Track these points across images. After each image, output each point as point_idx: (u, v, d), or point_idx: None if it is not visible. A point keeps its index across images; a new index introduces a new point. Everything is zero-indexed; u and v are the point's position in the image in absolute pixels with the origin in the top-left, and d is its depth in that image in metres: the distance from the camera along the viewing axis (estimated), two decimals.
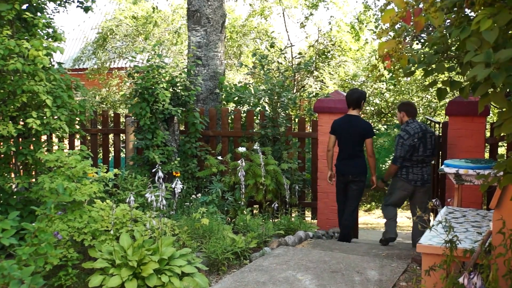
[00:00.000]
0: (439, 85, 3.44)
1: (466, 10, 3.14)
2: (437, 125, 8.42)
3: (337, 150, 6.92)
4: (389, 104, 14.68)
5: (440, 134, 7.79)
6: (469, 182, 5.67)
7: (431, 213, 7.81)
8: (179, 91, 7.86)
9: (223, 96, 8.75)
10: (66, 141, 8.79)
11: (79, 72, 18.48)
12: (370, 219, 12.79)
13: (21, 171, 6.41)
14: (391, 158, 12.13)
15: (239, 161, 6.79)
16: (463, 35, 2.90)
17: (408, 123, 6.74)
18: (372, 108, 14.57)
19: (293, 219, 7.10)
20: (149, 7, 17.70)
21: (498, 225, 3.66)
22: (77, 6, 7.33)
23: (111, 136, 9.66)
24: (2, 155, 6.18)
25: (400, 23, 2.92)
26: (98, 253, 4.91)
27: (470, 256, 3.77)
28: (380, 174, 13.77)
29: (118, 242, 5.02)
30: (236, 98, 8.71)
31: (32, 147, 6.17)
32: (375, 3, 15.66)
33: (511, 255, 3.50)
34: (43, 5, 6.56)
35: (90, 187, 5.26)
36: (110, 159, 9.08)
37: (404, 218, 11.23)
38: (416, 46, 7.71)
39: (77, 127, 6.75)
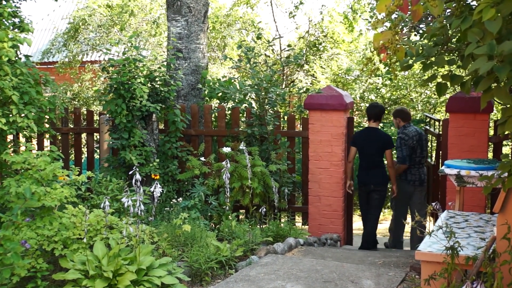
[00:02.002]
0: (439, 80, 3.46)
1: None
2: (436, 123, 8.47)
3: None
4: (386, 100, 14.74)
5: (440, 132, 7.83)
6: (472, 184, 5.71)
7: (431, 218, 7.86)
8: (158, 86, 7.84)
9: (206, 92, 8.74)
10: (34, 141, 8.74)
11: (49, 66, 18.32)
12: None
13: None
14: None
15: (223, 163, 6.79)
16: (464, 26, 2.92)
17: (406, 127, 7.88)
18: (367, 105, 14.61)
19: (282, 225, 7.11)
20: None
21: (502, 230, 3.68)
22: None
23: (83, 135, 9.61)
24: None
25: (397, 13, 2.93)
26: (70, 263, 4.88)
27: (473, 263, 3.80)
28: None
29: (91, 251, 5.00)
30: (220, 94, 8.70)
31: None
32: None
33: None
34: None
35: (60, 191, 5.23)
36: (82, 160, 9.03)
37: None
38: (414, 37, 7.74)
39: (47, 125, 6.70)
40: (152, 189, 5.70)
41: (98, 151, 9.08)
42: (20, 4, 7.02)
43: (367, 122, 7.88)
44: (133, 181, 5.19)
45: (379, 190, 7.55)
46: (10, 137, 6.52)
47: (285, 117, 8.47)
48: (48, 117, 6.51)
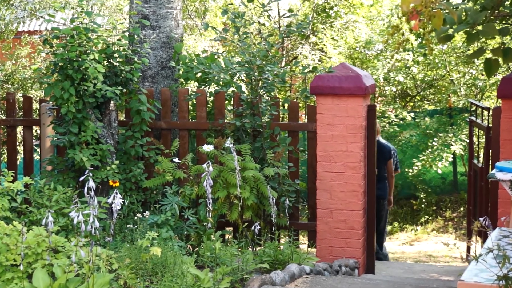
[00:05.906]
0: (488, 55, 3.46)
1: None
2: (485, 112, 8.50)
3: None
4: (418, 82, 14.77)
5: (490, 125, 7.85)
6: None
7: (479, 237, 7.87)
8: (117, 64, 7.82)
9: (180, 72, 8.73)
10: None
11: None
12: (392, 245, 12.85)
13: None
14: (420, 157, 13.22)
15: (204, 165, 6.76)
16: None
17: None
18: (394, 89, 14.64)
19: (282, 247, 7.11)
20: None
21: None
22: None
23: (19, 129, 9.58)
24: None
25: None
26: None
27: None
28: (407, 181, 14.31)
29: (30, 282, 4.99)
30: (200, 75, 8.69)
31: None
32: None
33: None
34: None
35: None
36: (18, 162, 9.01)
37: (440, 245, 11.33)
38: None
39: None
40: (110, 200, 5.69)
41: (38, 150, 9.06)
42: None
43: None
44: (85, 189, 5.18)
45: (385, 203, 9.34)
46: None
47: (286, 105, 8.47)
48: None
